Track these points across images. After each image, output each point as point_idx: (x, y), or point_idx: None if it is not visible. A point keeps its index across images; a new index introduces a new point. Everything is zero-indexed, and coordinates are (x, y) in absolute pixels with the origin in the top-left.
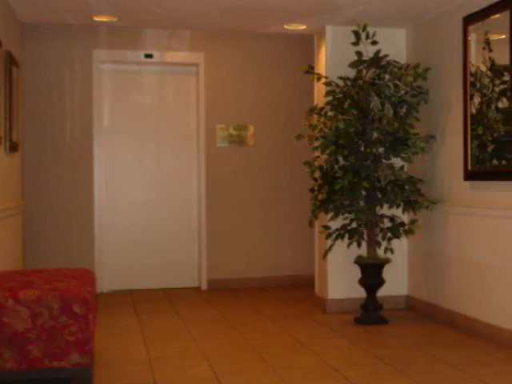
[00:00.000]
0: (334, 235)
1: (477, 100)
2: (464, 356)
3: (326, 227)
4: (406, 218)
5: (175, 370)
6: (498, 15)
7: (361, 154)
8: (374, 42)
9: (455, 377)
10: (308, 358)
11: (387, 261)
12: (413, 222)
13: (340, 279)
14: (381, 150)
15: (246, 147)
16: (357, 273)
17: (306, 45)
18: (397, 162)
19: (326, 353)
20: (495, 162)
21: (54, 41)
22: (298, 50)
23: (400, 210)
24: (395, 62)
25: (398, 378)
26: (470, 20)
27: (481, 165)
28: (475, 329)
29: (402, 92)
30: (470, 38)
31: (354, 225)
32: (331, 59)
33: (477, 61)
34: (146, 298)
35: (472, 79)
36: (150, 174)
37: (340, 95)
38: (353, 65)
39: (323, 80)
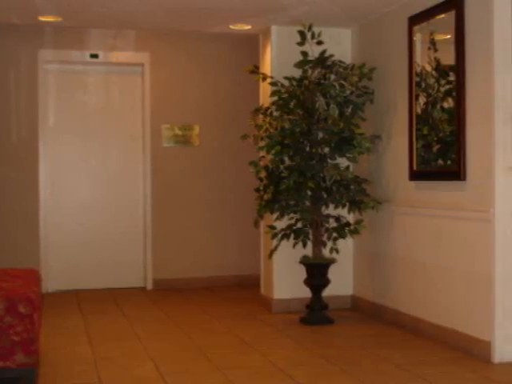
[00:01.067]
0: (279, 235)
1: (422, 100)
2: (409, 356)
3: (272, 227)
4: (351, 218)
5: (121, 370)
6: (443, 15)
7: (306, 153)
8: (320, 42)
9: (401, 377)
10: (254, 358)
11: (333, 261)
12: (358, 222)
13: (285, 279)
14: (326, 149)
15: (191, 147)
16: (302, 273)
17: (252, 45)
18: (342, 161)
19: (272, 353)
20: (440, 161)
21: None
22: (244, 50)
23: (345, 210)
24: (341, 62)
25: (344, 377)
26: (415, 20)
27: (426, 165)
28: (421, 329)
29: (348, 92)
30: (415, 38)
31: (299, 225)
32: (276, 59)
33: (422, 61)
34: (91, 298)
35: (417, 79)
36: (96, 173)
37: (285, 95)
38: (298, 65)
39: (269, 80)
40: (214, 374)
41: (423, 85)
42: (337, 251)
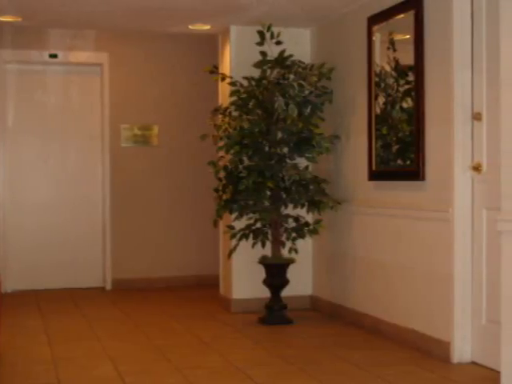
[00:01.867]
0: (238, 235)
1: (381, 100)
2: (368, 356)
3: (231, 227)
4: (310, 217)
5: (80, 370)
6: (402, 15)
7: (265, 154)
8: (279, 42)
9: (360, 377)
10: (213, 358)
11: (292, 261)
12: (317, 222)
13: (244, 279)
14: (285, 149)
15: (150, 147)
16: (261, 273)
17: (211, 45)
18: (301, 161)
19: (231, 353)
20: (400, 161)
21: None
22: (203, 50)
23: (305, 210)
24: (300, 62)
25: (303, 377)
26: (374, 20)
27: (385, 165)
28: (380, 329)
29: (307, 92)
30: (374, 38)
31: (258, 225)
32: (236, 59)
33: (381, 61)
34: (50, 298)
35: (377, 79)
36: (55, 174)
37: (244, 95)
38: (257, 65)
39: (228, 80)
40: (174, 374)
41: (382, 85)
42: (296, 251)
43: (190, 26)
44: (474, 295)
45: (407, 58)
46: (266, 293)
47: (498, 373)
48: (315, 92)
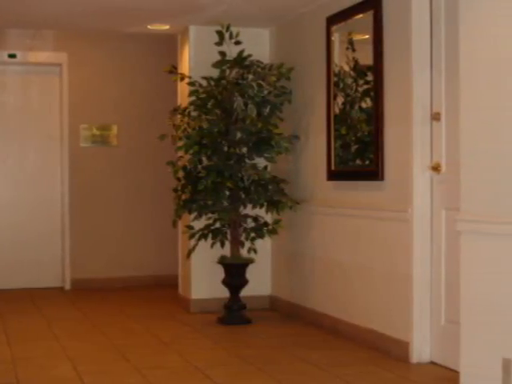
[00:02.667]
0: (197, 235)
1: (340, 100)
2: (328, 356)
3: (190, 227)
4: (269, 218)
5: (39, 370)
6: (361, 15)
7: (224, 153)
8: (238, 42)
9: (319, 377)
10: (172, 358)
11: (251, 261)
12: (276, 222)
13: (203, 279)
14: (244, 149)
15: (109, 147)
16: (220, 273)
17: (170, 45)
18: (260, 161)
19: (190, 353)
20: (359, 161)
21: None
22: (162, 50)
23: (264, 210)
24: (259, 62)
25: (262, 377)
26: (333, 20)
27: (344, 165)
28: (339, 329)
29: (266, 92)
30: (333, 38)
31: (217, 225)
32: (195, 59)
33: (340, 61)
34: (9, 298)
35: (335, 79)
36: (14, 173)
37: (203, 95)
38: (216, 65)
39: (186, 80)
40: (133, 374)
41: (341, 85)
42: (255, 251)
43: (148, 26)
44: (433, 295)
45: (366, 57)
46: (225, 293)
47: (457, 373)
48: (274, 92)
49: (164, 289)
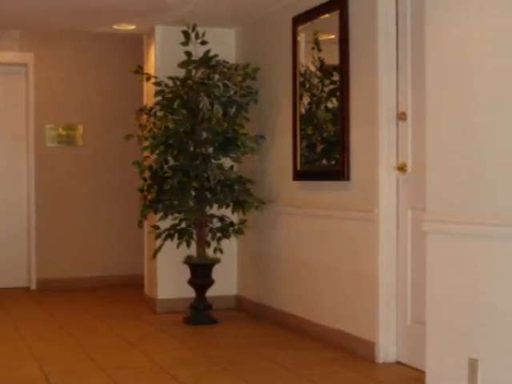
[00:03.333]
0: (163, 235)
1: (306, 100)
2: (294, 356)
3: (156, 227)
4: (235, 218)
5: (5, 370)
6: (327, 15)
7: (190, 153)
8: (204, 42)
9: (285, 377)
10: (137, 358)
11: (217, 261)
12: (242, 222)
13: (169, 279)
14: (210, 149)
15: (75, 147)
16: (186, 273)
17: (136, 45)
18: (226, 162)
19: (156, 353)
20: (325, 162)
21: None
22: (128, 50)
23: (230, 210)
24: (225, 62)
25: (228, 377)
26: (299, 20)
27: (310, 165)
28: (305, 329)
29: (232, 92)
30: (299, 38)
31: (183, 225)
32: (160, 59)
33: (306, 61)
34: None
35: (301, 79)
36: None
37: (169, 95)
38: (182, 65)
39: (152, 80)
40: (98, 373)
41: (307, 85)
42: (221, 251)
43: (114, 26)
44: (399, 296)
45: (332, 58)
46: (191, 293)
47: (423, 373)
48: (240, 92)
49: (130, 289)
